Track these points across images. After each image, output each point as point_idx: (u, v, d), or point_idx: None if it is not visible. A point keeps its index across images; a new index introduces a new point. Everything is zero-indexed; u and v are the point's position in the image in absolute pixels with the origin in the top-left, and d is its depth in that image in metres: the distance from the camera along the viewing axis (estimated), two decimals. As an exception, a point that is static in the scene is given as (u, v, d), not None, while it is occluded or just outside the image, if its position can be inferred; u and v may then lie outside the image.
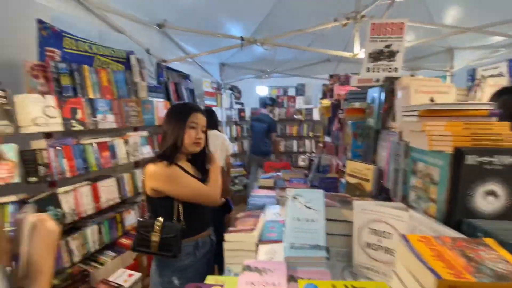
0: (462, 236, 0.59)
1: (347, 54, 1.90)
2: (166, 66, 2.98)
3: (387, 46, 1.24)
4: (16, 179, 1.50)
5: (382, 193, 1.11)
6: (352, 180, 1.24)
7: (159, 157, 1.21)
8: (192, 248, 1.24)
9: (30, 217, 0.58)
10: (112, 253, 2.13)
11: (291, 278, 0.79)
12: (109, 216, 2.11)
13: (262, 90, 4.36)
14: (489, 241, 0.55)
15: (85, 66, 1.88)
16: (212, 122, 3.04)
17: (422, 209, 0.79)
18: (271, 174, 2.50)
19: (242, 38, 1.81)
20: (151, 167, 1.19)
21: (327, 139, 2.33)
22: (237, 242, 1.10)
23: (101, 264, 2.01)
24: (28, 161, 1.55)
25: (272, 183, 2.25)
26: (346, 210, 0.97)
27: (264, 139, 3.99)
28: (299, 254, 0.89)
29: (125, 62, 2.34)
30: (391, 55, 1.24)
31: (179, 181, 1.19)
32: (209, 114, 3.22)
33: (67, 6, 1.57)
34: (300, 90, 5.13)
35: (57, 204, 1.70)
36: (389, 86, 1.13)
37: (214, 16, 2.31)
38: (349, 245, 0.95)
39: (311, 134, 5.07)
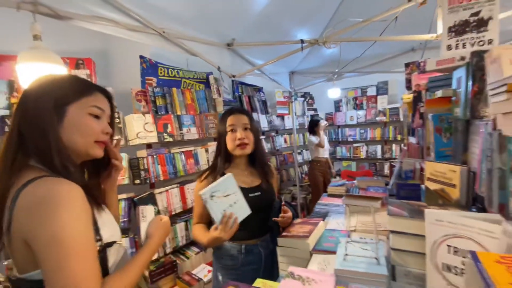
0: None
1: (426, 37, 1.56)
2: (240, 81, 3.24)
3: (474, 14, 0.98)
4: (126, 181, 1.92)
5: (476, 203, 0.85)
6: (433, 186, 1.00)
7: (208, 169, 1.27)
8: (236, 252, 1.21)
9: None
10: (196, 249, 2.40)
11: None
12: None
13: (334, 93, 4.10)
14: None
15: (174, 89, 2.27)
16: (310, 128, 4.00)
17: (530, 223, 0.56)
18: (344, 181, 2.29)
19: (302, 41, 1.78)
20: None
21: (412, 140, 1.96)
22: (289, 248, 1.05)
23: (187, 257, 2.29)
24: (134, 167, 1.96)
25: (344, 191, 2.06)
26: (417, 222, 0.78)
27: None
28: (352, 268, 0.78)
29: (205, 82, 2.69)
30: (481, 24, 0.97)
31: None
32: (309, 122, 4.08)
33: (158, 42, 1.95)
34: (382, 88, 4.56)
35: (154, 202, 2.06)
36: (478, 62, 0.88)
37: (278, 27, 2.39)
38: (423, 265, 0.76)
39: (399, 137, 4.39)
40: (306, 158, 4.62)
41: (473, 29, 1.00)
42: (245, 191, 1.14)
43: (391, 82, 4.47)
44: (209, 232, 1.04)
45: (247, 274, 1.18)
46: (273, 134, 3.85)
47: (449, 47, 1.07)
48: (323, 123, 3.81)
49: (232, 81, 2.98)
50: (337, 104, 4.96)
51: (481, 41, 0.99)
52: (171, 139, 2.10)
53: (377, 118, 4.51)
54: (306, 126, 4.63)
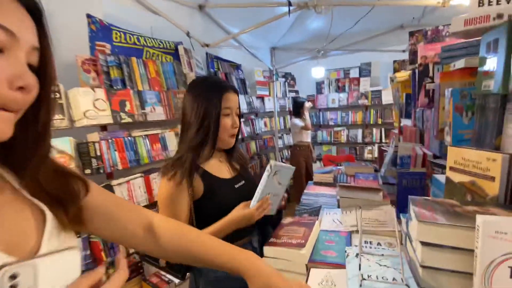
0: None
1: (432, 2, 1.34)
2: (216, 56, 2.86)
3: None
4: (73, 172, 1.55)
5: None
6: (459, 178, 0.80)
7: (174, 164, 0.90)
8: None
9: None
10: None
11: None
12: (162, 209, 2.12)
13: (318, 73, 3.87)
14: None
15: (133, 58, 1.87)
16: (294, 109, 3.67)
17: None
18: (331, 168, 2.10)
19: (289, 3, 1.48)
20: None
21: (406, 122, 1.80)
22: (280, 259, 0.81)
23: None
24: (83, 153, 1.59)
25: (332, 179, 1.87)
26: (460, 230, 0.57)
27: None
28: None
29: (174, 53, 2.29)
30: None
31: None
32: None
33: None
34: (365, 70, 4.41)
35: (112, 197, 1.72)
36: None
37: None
38: None
39: (380, 121, 4.32)
40: (287, 142, 4.43)
41: (516, -23, 0.77)
42: (229, 182, 0.99)
43: (374, 64, 4.33)
44: (235, 211, 0.88)
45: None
46: (252, 117, 3.56)
47: (480, 3, 0.83)
48: (307, 104, 3.59)
49: (207, 54, 2.60)
50: (319, 86, 4.76)
51: (525, -7, 0.77)
52: (130, 120, 1.73)
53: (359, 101, 4.39)
54: (288, 109, 4.40)
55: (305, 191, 1.71)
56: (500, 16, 0.82)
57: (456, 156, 0.81)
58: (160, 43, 2.15)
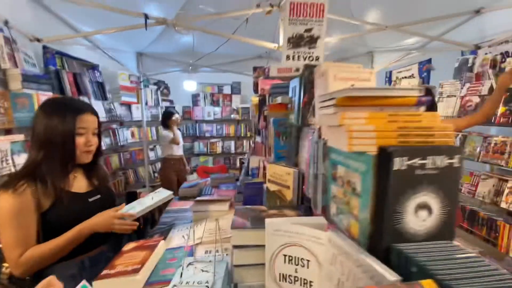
0: (393, 278, 0.40)
1: (270, 45, 1.74)
2: (60, 52, 2.35)
3: (308, 30, 1.09)
4: None
5: (303, 203, 0.94)
6: (273, 187, 1.04)
7: (17, 176, 0.93)
8: (77, 270, 0.97)
9: None
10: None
11: None
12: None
13: (191, 86, 3.96)
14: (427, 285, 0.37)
15: None
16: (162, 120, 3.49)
17: (344, 226, 0.62)
18: (197, 181, 2.18)
19: (146, 16, 1.43)
20: None
21: (258, 139, 2.14)
22: (112, 291, 0.76)
23: None
24: None
25: (197, 193, 1.94)
26: (259, 232, 0.74)
27: None
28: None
29: (-15, 39, 1.70)
30: (312, 40, 1.09)
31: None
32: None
33: None
34: (236, 88, 4.92)
35: None
36: (309, 75, 0.96)
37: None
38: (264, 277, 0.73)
39: (248, 134, 4.92)
40: (160, 154, 4.21)
41: (306, 44, 1.11)
42: (82, 195, 1.04)
43: (243, 84, 4.90)
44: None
45: None
46: (114, 126, 3.14)
47: (288, 57, 1.14)
48: (176, 116, 3.44)
49: (44, 48, 2.10)
50: (195, 98, 4.87)
51: (310, 56, 1.12)
52: None
53: (231, 116, 4.81)
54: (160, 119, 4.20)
55: (167, 208, 1.68)
56: (297, 69, 1.15)
57: (272, 170, 1.06)
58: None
